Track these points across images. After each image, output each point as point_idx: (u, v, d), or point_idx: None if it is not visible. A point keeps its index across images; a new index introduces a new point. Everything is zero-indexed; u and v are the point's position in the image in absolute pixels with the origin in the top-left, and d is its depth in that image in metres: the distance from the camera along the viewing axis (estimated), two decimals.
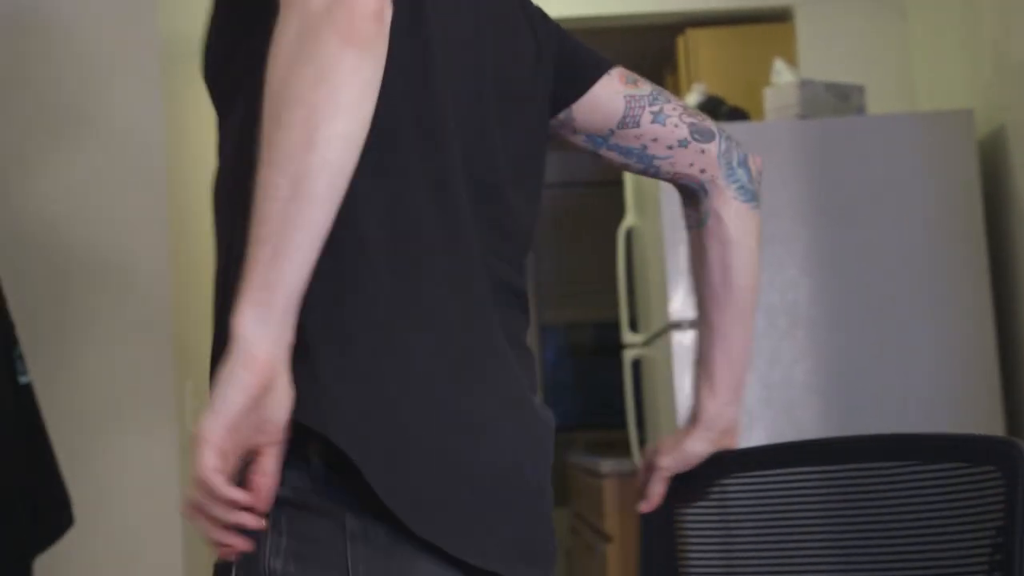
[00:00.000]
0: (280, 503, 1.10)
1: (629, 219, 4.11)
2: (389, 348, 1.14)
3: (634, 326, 4.14)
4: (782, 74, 3.63)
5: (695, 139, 1.54)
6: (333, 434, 1.10)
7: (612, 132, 1.53)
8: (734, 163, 1.56)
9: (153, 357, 2.79)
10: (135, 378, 2.79)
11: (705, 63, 4.14)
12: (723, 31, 4.18)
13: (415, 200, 1.19)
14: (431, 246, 1.19)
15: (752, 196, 1.58)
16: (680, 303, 3.54)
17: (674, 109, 1.54)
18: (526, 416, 1.25)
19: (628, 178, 4.16)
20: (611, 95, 1.52)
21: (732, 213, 1.56)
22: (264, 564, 1.11)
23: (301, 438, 1.10)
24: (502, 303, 1.27)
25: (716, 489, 1.59)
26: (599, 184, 5.87)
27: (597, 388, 5.88)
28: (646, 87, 1.54)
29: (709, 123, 1.57)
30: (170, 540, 2.78)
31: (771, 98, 3.55)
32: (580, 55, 1.52)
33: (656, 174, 1.57)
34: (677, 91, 4.26)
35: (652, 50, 4.55)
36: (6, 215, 2.82)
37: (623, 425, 5.59)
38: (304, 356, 1.10)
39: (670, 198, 3.69)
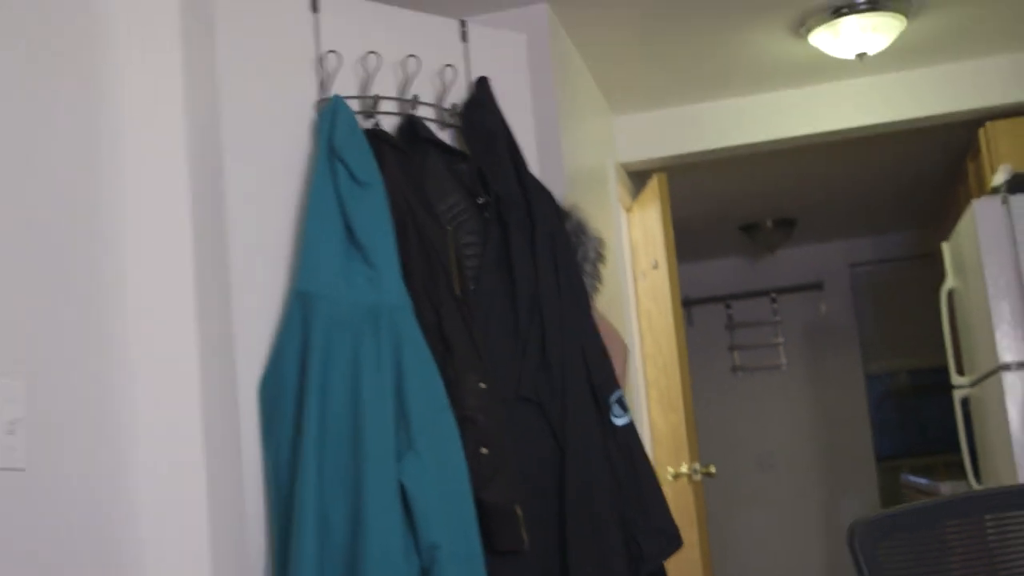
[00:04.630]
0: None
1: (949, 282, 4.97)
2: None
3: (960, 370, 4.99)
4: None
5: None
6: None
7: None
8: None
9: None
10: None
11: (1006, 150, 4.92)
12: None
13: None
14: None
15: None
16: (1007, 348, 4.37)
17: None
18: None
19: (946, 248, 5.02)
20: None
21: None
22: None
23: None
24: None
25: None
26: (908, 259, 7.51)
27: (917, 423, 7.26)
28: None
29: None
30: None
31: None
32: None
33: None
34: (980, 175, 5.09)
35: (953, 141, 5.38)
36: None
37: (942, 451, 6.81)
38: None
39: (991, 260, 4.54)
